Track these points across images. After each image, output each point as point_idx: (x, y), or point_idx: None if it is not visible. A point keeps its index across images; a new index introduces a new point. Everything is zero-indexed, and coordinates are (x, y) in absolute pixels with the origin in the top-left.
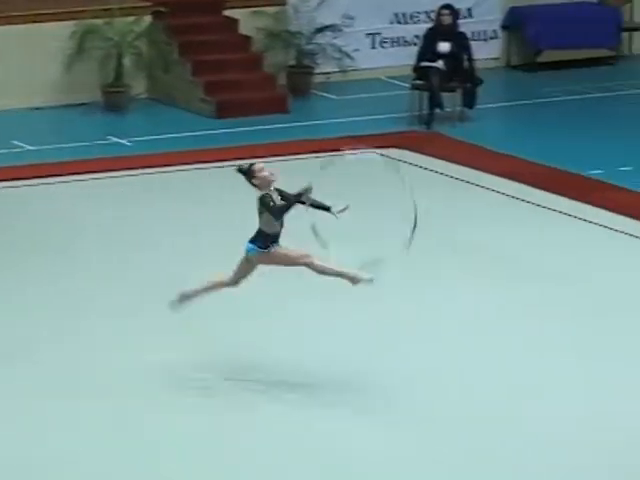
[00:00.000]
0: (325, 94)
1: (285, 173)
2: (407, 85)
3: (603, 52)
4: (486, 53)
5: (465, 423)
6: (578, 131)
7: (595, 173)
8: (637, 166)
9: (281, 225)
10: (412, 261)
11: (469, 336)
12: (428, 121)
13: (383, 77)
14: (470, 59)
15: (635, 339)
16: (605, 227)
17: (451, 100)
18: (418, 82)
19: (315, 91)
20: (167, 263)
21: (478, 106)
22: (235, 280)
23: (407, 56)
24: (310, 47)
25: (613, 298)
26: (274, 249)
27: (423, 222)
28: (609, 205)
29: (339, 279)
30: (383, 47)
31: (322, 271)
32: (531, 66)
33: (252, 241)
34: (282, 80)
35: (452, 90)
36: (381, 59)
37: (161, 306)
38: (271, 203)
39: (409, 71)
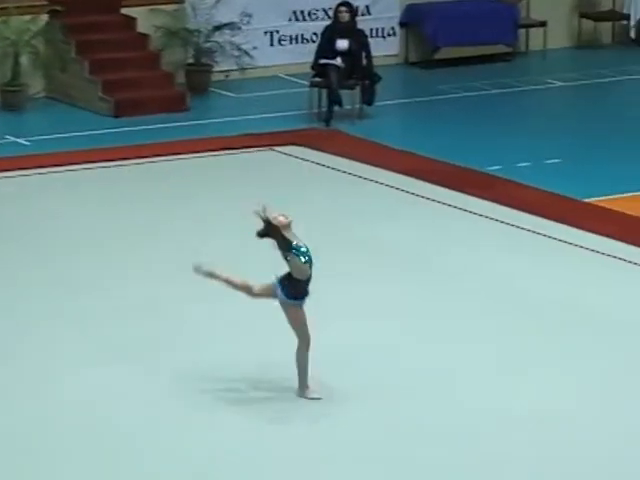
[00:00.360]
0: (224, 92)
1: (184, 171)
2: (306, 83)
3: (500, 49)
4: (384, 50)
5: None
6: (476, 127)
7: (494, 169)
8: (535, 162)
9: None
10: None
11: (371, 328)
12: (327, 118)
13: (282, 75)
14: (368, 56)
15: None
16: (504, 223)
17: (350, 97)
18: (317, 79)
19: (214, 89)
20: (59, 262)
21: (377, 103)
22: (254, 295)
23: (306, 53)
24: (208, 45)
25: (505, 290)
26: (295, 307)
27: (321, 219)
28: (507, 201)
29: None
30: (282, 45)
31: (299, 360)
32: (429, 63)
33: (281, 284)
34: (181, 78)
35: (351, 87)
36: (280, 57)
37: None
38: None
39: (308, 69)
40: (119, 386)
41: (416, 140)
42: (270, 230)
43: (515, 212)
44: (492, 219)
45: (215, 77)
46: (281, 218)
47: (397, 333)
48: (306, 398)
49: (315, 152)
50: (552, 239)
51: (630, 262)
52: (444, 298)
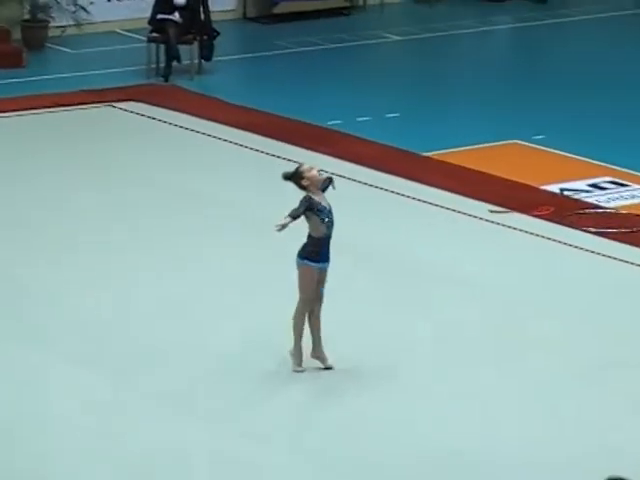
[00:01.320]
0: (61, 48)
1: (21, 128)
2: (144, 38)
3: (338, 3)
4: (222, 5)
5: None
6: (315, 82)
7: (333, 124)
8: (374, 116)
9: (328, 227)
10: (142, 216)
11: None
12: (165, 74)
13: (119, 30)
14: (206, 11)
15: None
16: (344, 177)
17: (188, 53)
18: (155, 35)
19: (50, 45)
20: None
21: (215, 59)
22: (313, 297)
23: (143, 9)
24: (44, 0)
25: (346, 246)
26: (305, 267)
27: (158, 173)
28: (346, 155)
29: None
30: (119, 0)
31: (301, 323)
32: (267, 18)
33: (299, 253)
34: (16, 34)
35: (189, 43)
36: (117, 12)
37: None
38: (307, 206)
39: (145, 24)
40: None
41: (254, 95)
42: (298, 180)
43: (354, 166)
44: (332, 173)
45: (52, 33)
46: (314, 172)
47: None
48: (293, 367)
49: (154, 108)
50: (391, 192)
51: (470, 215)
52: (279, 261)
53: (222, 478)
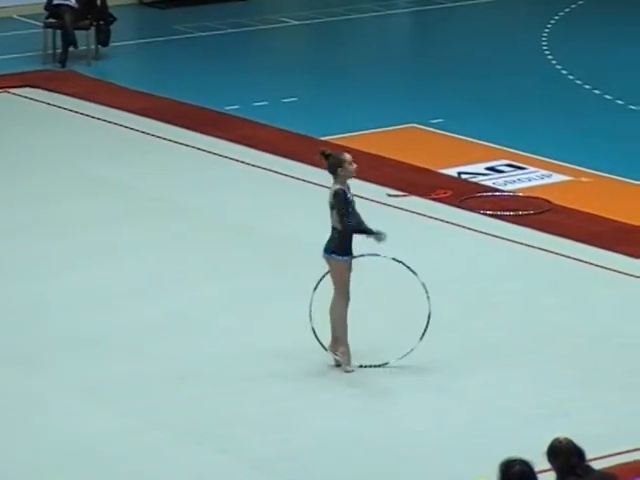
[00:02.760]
0: None
1: None
2: (40, 24)
3: None
4: None
5: None
6: (212, 68)
7: (231, 109)
8: (272, 101)
9: (354, 219)
10: (41, 203)
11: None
12: (62, 59)
13: (15, 16)
14: None
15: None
16: (242, 162)
17: (85, 38)
18: (51, 20)
19: None
20: None
21: (112, 44)
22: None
23: None
24: None
25: (239, 229)
26: (337, 262)
27: (55, 159)
28: (244, 140)
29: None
30: None
31: (338, 322)
32: (164, 3)
33: (326, 248)
34: None
35: (86, 28)
36: None
37: None
38: (346, 201)
39: (42, 9)
40: None
41: (152, 81)
42: (336, 165)
43: (250, 150)
44: (229, 158)
45: None
46: (353, 167)
47: (134, 277)
48: (346, 368)
49: (50, 93)
50: (287, 176)
51: (364, 198)
52: (188, 237)
53: None
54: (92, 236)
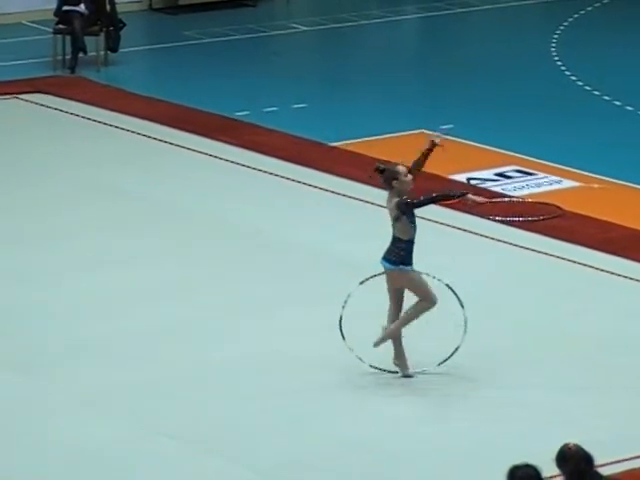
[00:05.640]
0: None
1: None
2: (50, 30)
3: None
4: None
5: None
6: (223, 74)
7: (241, 115)
8: (282, 107)
9: (415, 229)
10: (52, 212)
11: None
12: (72, 65)
13: (25, 22)
14: (112, 2)
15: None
16: (253, 169)
17: (94, 44)
18: (60, 27)
19: None
20: None
21: (122, 50)
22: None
23: (49, 0)
24: None
25: (253, 237)
26: (410, 271)
27: (67, 166)
28: (255, 146)
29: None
30: None
31: (413, 311)
32: (173, 9)
33: (385, 257)
34: None
35: (95, 34)
36: (23, 3)
37: None
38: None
39: (51, 15)
40: None
41: (161, 87)
42: (390, 178)
43: (260, 156)
44: (239, 164)
45: None
46: (409, 178)
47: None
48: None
49: (60, 99)
50: (302, 184)
51: (375, 204)
52: (197, 244)
53: None
54: (99, 242)
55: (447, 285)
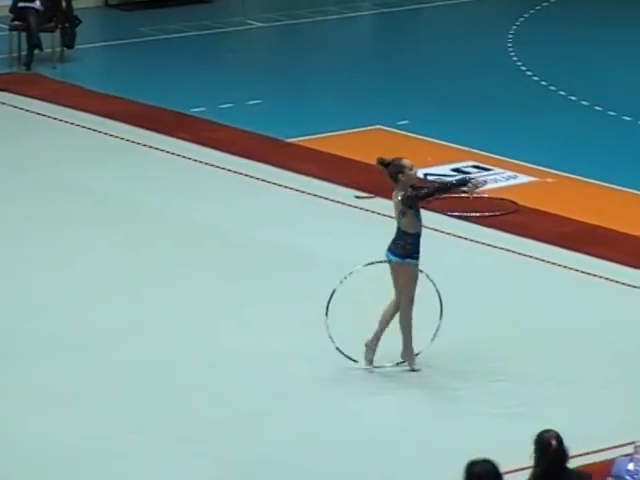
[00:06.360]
0: None
1: None
2: (4, 26)
3: None
4: None
5: None
6: (178, 70)
7: (197, 111)
8: (237, 103)
9: (421, 223)
10: (8, 208)
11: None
12: (27, 62)
13: None
14: None
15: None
16: (209, 164)
17: (50, 40)
18: (16, 23)
19: None
20: None
21: (77, 46)
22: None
23: None
24: None
25: (208, 234)
26: (415, 266)
27: (22, 163)
28: (209, 142)
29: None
30: None
31: (409, 324)
32: (129, 5)
33: (391, 249)
34: None
35: (51, 30)
36: None
37: None
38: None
39: (6, 12)
40: None
41: (117, 83)
42: (395, 172)
43: (215, 152)
44: (195, 160)
45: None
46: (414, 172)
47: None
48: (410, 367)
49: (16, 96)
50: (254, 179)
51: (331, 200)
52: (155, 243)
53: None
54: (59, 239)
55: (437, 291)
